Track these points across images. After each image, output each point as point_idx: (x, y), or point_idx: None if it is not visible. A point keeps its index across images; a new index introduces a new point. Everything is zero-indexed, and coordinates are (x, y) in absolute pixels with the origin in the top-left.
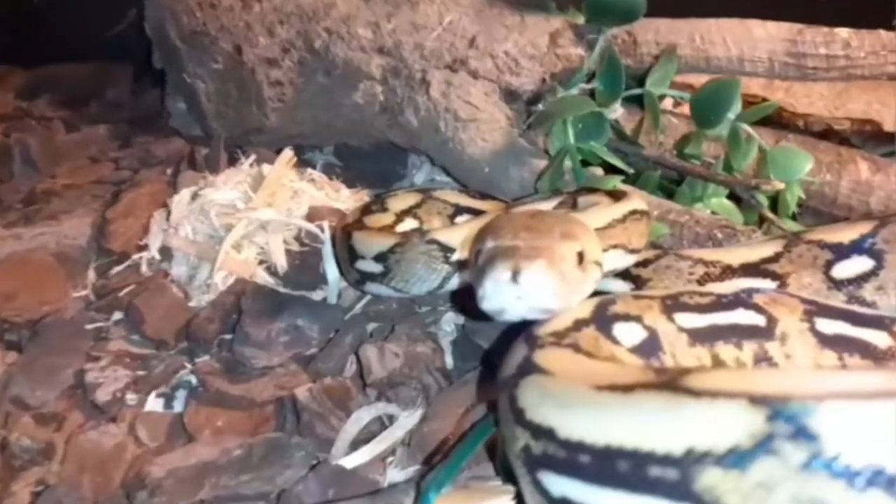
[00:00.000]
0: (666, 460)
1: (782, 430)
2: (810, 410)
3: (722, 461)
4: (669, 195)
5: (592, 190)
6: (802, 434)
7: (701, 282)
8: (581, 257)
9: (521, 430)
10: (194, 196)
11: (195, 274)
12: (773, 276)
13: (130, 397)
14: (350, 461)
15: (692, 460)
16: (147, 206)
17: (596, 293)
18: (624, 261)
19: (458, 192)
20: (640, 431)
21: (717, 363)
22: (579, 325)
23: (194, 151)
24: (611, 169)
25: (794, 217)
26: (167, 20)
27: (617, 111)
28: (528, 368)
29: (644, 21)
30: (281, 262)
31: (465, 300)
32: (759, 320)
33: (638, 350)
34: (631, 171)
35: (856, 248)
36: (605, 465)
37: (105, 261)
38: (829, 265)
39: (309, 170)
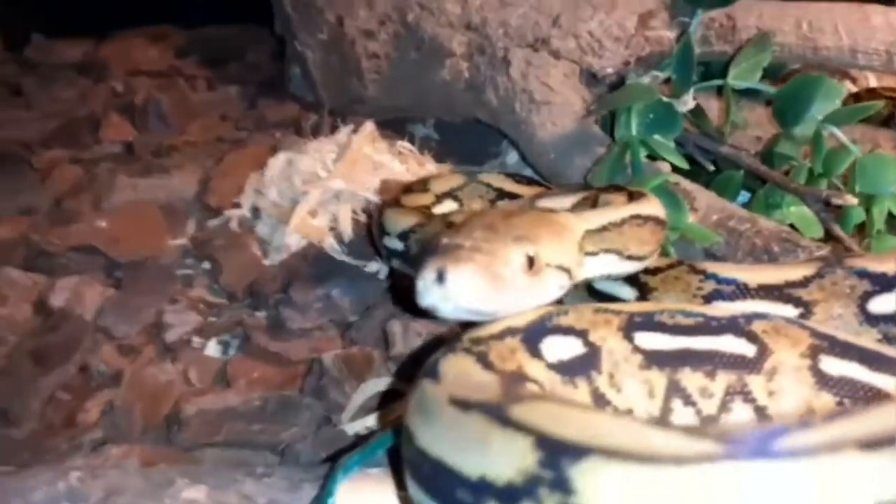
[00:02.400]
0: (466, 483)
1: (546, 476)
2: (574, 462)
3: (499, 495)
4: None
5: (619, 188)
6: (560, 485)
7: (708, 299)
8: (532, 262)
9: (404, 431)
10: (289, 162)
11: (275, 234)
12: (798, 302)
13: (196, 341)
14: (352, 428)
15: (482, 489)
16: (248, 166)
17: (604, 297)
18: (619, 267)
19: (504, 176)
20: (457, 451)
21: (675, 390)
22: (505, 333)
23: (301, 118)
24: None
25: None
26: None
27: (688, 103)
28: (429, 371)
29: (747, 2)
30: (347, 232)
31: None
32: (748, 350)
33: (564, 367)
34: (711, 168)
35: None
36: (434, 477)
37: (205, 214)
38: (866, 297)
39: (399, 142)
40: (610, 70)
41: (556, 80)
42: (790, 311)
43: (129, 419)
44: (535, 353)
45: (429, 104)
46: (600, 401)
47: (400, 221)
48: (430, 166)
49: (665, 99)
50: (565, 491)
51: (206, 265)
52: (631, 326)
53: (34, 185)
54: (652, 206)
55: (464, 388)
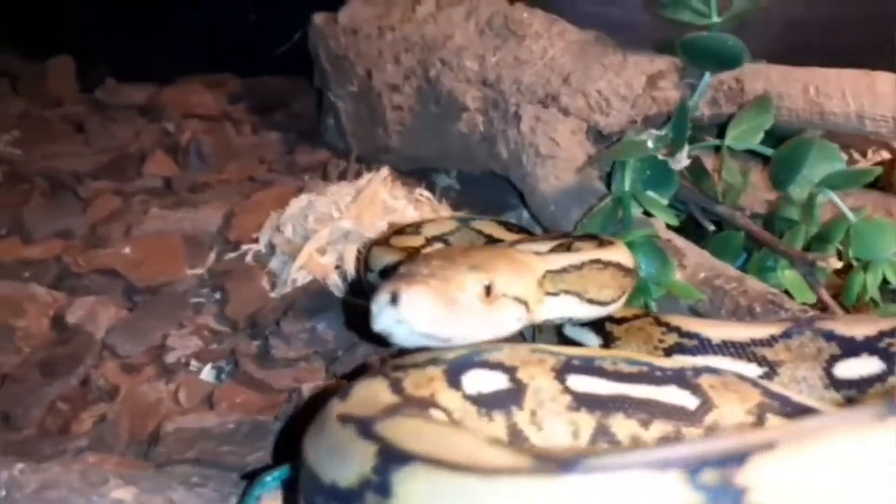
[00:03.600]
0: (322, 488)
1: (375, 480)
2: (398, 468)
3: (340, 499)
4: None
5: (593, 237)
6: (382, 489)
7: (668, 352)
8: (488, 290)
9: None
10: (309, 203)
11: (285, 269)
12: (763, 361)
13: (194, 364)
14: None
15: (330, 494)
16: (270, 205)
17: (572, 343)
18: (580, 310)
19: (496, 223)
20: (324, 460)
21: (603, 434)
22: (430, 362)
23: (328, 163)
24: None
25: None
26: (319, 43)
27: (683, 162)
28: (342, 392)
29: (756, 66)
30: (350, 270)
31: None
32: (690, 402)
33: (482, 399)
34: (711, 227)
35: (868, 346)
36: (308, 485)
37: (225, 247)
38: (832, 360)
39: (418, 189)
40: (616, 128)
41: (562, 136)
42: (753, 371)
43: (116, 432)
44: (455, 383)
45: (449, 155)
46: (517, 437)
47: (383, 259)
48: (444, 214)
49: (660, 157)
50: (385, 494)
51: (217, 295)
52: (566, 368)
53: (75, 212)
54: (616, 254)
55: (357, 407)
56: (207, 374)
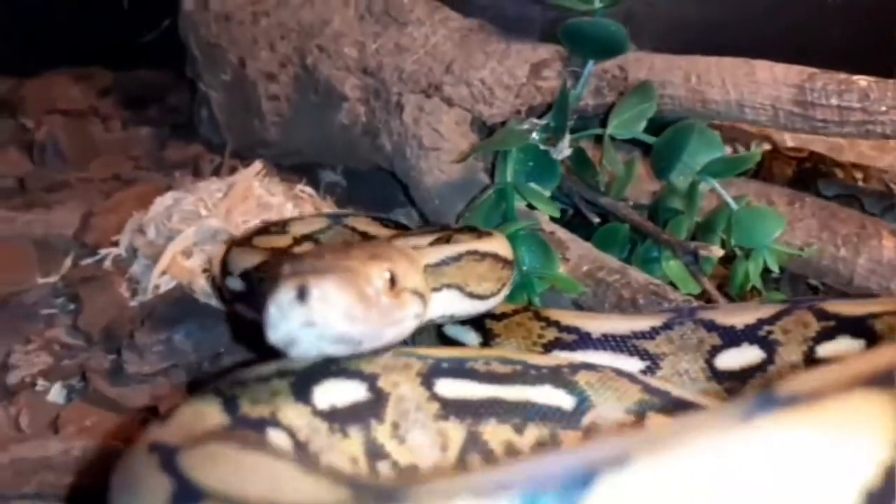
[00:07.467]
0: None
1: None
2: None
3: None
4: None
5: (472, 229)
6: None
7: (548, 347)
8: (393, 282)
9: None
10: (175, 201)
11: (146, 274)
12: (645, 354)
13: (41, 384)
14: None
15: None
16: (132, 204)
17: (453, 343)
18: (463, 305)
19: (370, 220)
20: (119, 493)
21: (474, 443)
22: (275, 375)
23: (201, 159)
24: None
25: (777, 288)
26: (190, 31)
27: (564, 151)
28: (166, 415)
29: (640, 55)
30: (217, 273)
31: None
32: (566, 402)
33: (335, 414)
34: (596, 220)
35: (748, 335)
36: None
37: (82, 252)
38: (714, 351)
39: (299, 186)
40: (500, 119)
41: (446, 127)
42: (635, 365)
43: None
44: (303, 397)
45: (331, 149)
46: (377, 453)
47: (245, 260)
48: (326, 211)
49: (542, 147)
50: None
51: (72, 305)
52: (434, 372)
53: None
54: (493, 245)
55: (173, 432)
56: (57, 394)
